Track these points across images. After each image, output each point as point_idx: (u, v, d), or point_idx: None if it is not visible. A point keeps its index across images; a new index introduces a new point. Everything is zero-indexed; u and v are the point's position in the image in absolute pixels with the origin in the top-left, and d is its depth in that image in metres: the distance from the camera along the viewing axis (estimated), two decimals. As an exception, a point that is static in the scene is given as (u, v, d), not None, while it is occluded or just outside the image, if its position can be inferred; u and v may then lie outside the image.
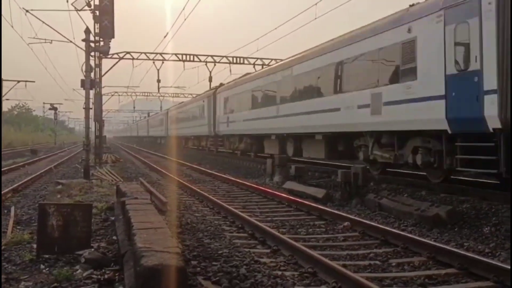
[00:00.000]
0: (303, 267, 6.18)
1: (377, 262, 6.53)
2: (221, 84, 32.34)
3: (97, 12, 21.09)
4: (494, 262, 6.01)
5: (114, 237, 7.38)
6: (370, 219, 9.55)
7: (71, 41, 24.06)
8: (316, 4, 19.54)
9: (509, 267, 5.70)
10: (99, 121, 26.68)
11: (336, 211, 10.03)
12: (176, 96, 60.20)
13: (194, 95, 49.57)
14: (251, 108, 23.90)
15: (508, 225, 8.21)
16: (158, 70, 35.21)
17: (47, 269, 5.89)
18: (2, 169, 17.98)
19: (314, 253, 6.39)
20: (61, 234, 6.38)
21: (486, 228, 8.36)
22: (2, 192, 12.14)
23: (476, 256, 6.29)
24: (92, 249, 6.44)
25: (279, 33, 25.28)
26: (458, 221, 8.89)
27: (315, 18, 20.14)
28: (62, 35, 23.98)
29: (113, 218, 8.93)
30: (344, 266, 6.09)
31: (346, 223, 8.90)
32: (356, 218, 9.25)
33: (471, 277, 5.81)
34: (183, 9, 23.40)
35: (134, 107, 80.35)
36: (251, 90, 24.01)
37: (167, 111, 55.54)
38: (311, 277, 5.82)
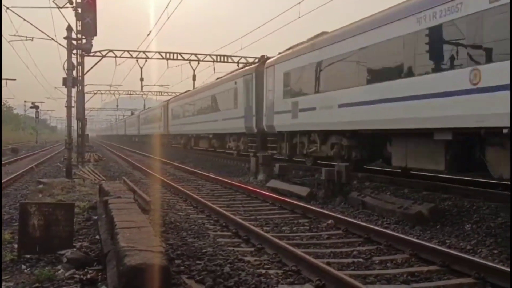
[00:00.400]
0: (287, 265, 6.19)
1: (361, 259, 6.58)
2: (264, 57, 22.50)
3: (79, 10, 20.89)
4: (475, 259, 6.10)
5: (97, 237, 7.32)
6: (353, 217, 9.62)
7: (52, 39, 23.83)
8: (299, 3, 19.54)
9: (489, 263, 5.80)
10: (82, 119, 26.45)
11: (319, 209, 10.08)
12: (159, 95, 59.96)
13: (177, 93, 46.70)
14: (361, 82, 13.31)
15: (488, 222, 8.34)
16: (141, 68, 35.07)
17: (28, 269, 5.82)
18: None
19: (298, 251, 6.40)
20: (43, 234, 6.30)
21: (468, 225, 8.46)
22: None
23: (458, 253, 6.38)
24: (75, 249, 6.37)
25: (263, 32, 25.25)
26: (440, 218, 9.00)
27: (299, 17, 20.12)
28: (44, 33, 23.73)
29: (95, 217, 8.85)
30: (328, 263, 6.13)
31: (329, 221, 8.94)
32: (339, 216, 9.32)
33: (453, 273, 5.88)
34: (167, 7, 23.32)
35: (117, 106, 79.86)
36: (361, 49, 13.25)
37: (167, 102, 44.18)
38: (295, 275, 5.83)
